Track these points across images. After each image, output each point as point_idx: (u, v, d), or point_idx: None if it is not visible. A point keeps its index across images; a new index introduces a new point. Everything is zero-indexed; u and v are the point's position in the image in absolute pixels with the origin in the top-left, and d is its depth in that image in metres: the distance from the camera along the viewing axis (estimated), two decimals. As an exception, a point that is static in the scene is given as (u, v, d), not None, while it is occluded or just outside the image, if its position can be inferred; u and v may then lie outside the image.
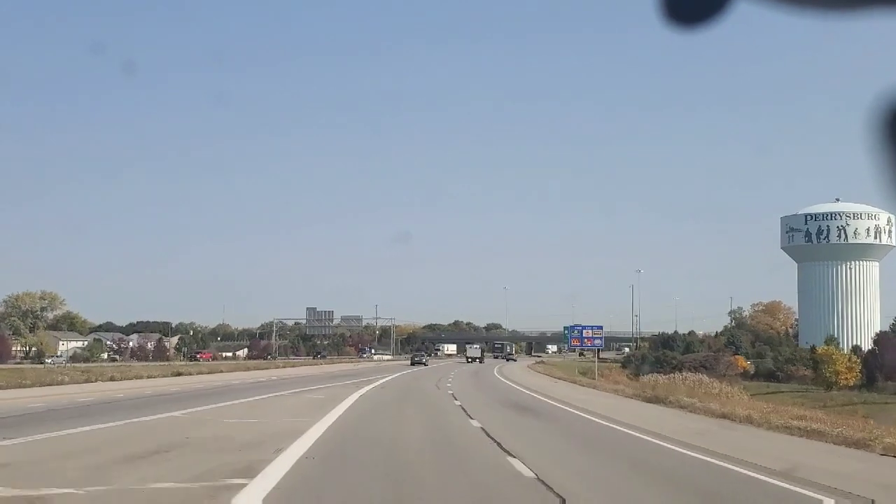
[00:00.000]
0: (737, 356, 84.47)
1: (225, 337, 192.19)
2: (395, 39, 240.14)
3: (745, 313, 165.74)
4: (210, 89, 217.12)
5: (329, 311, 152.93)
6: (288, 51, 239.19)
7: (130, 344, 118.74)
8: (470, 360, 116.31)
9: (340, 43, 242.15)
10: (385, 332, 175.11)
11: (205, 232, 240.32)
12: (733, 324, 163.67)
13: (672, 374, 56.10)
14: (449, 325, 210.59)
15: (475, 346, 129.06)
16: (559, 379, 55.61)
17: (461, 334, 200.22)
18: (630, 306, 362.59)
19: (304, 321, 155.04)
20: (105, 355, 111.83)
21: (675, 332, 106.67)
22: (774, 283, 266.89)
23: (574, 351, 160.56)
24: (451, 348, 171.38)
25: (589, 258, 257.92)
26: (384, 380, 48.91)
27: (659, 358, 77.88)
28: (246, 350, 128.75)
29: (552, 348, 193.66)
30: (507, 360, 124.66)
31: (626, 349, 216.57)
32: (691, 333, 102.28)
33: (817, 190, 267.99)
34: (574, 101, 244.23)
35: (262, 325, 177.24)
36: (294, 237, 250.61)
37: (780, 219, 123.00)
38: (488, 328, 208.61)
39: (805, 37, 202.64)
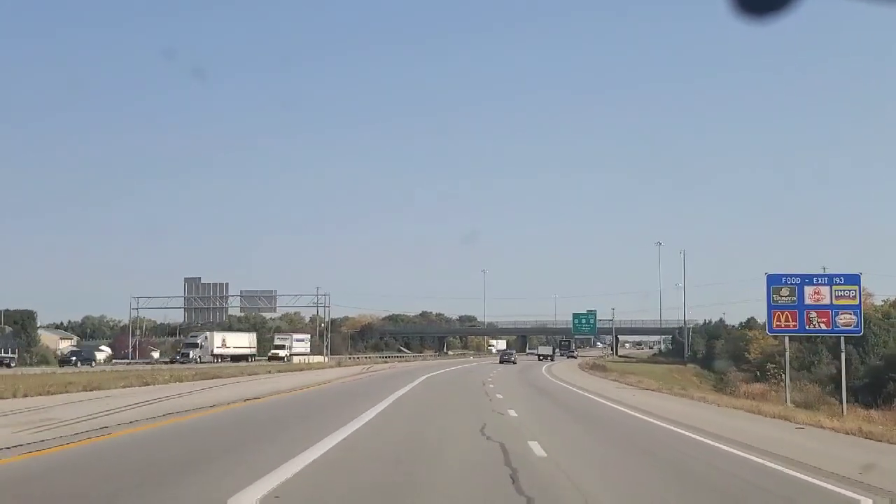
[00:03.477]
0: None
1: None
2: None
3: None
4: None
5: (221, 284, 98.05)
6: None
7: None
8: (541, 357, 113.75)
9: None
10: (335, 325, 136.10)
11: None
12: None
13: None
14: (415, 316, 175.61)
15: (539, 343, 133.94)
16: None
17: (429, 327, 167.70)
18: (622, 295, 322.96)
19: (180, 299, 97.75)
20: None
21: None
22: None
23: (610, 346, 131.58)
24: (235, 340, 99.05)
25: (575, 245, 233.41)
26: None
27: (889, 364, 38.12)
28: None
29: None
30: (552, 359, 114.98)
31: (644, 341, 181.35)
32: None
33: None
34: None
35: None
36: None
37: None
38: (462, 320, 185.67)
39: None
